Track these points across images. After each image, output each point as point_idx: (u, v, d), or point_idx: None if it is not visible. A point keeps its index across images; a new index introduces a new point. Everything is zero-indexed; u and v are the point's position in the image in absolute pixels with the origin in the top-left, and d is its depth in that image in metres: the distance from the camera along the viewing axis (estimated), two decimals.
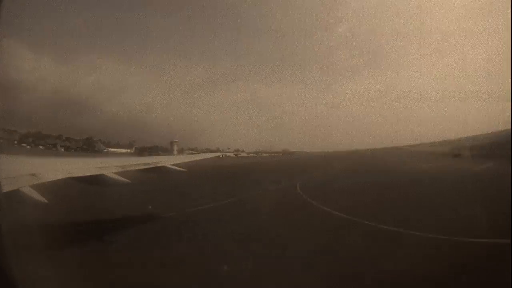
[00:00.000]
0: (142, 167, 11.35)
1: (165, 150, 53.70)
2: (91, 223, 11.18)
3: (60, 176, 8.57)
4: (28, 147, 43.98)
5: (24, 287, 2.93)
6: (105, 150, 49.68)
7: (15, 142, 43.46)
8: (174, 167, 12.51)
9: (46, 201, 7.20)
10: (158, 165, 12.07)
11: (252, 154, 64.52)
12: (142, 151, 50.73)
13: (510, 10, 6.43)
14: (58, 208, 9.72)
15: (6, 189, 6.17)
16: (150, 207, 14.09)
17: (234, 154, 61.77)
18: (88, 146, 50.40)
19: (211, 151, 50.73)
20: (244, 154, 63.29)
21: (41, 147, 46.04)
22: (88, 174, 9.50)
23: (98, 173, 9.90)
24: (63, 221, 10.42)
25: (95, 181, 9.70)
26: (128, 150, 50.45)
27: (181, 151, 54.72)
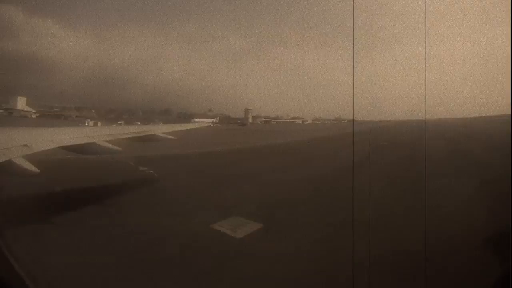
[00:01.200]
0: (132, 135, 11.89)
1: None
2: (84, 191, 11.53)
3: (52, 145, 9.12)
4: (120, 122, 44.82)
5: (15, 257, 3.15)
6: (192, 121, 50.32)
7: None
8: (164, 135, 13.03)
9: (38, 170, 7.79)
10: (148, 133, 12.58)
11: (317, 122, 67.39)
12: (226, 120, 53.15)
13: None
14: (50, 178, 10.30)
15: None
16: (141, 171, 14.36)
17: (301, 122, 65.95)
18: (178, 118, 52.16)
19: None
20: (309, 122, 66.52)
21: (138, 122, 46.06)
22: (79, 143, 10.05)
23: (89, 141, 10.46)
24: (55, 190, 10.88)
25: (87, 150, 10.29)
26: (213, 120, 51.14)
27: (255, 119, 59.39)
